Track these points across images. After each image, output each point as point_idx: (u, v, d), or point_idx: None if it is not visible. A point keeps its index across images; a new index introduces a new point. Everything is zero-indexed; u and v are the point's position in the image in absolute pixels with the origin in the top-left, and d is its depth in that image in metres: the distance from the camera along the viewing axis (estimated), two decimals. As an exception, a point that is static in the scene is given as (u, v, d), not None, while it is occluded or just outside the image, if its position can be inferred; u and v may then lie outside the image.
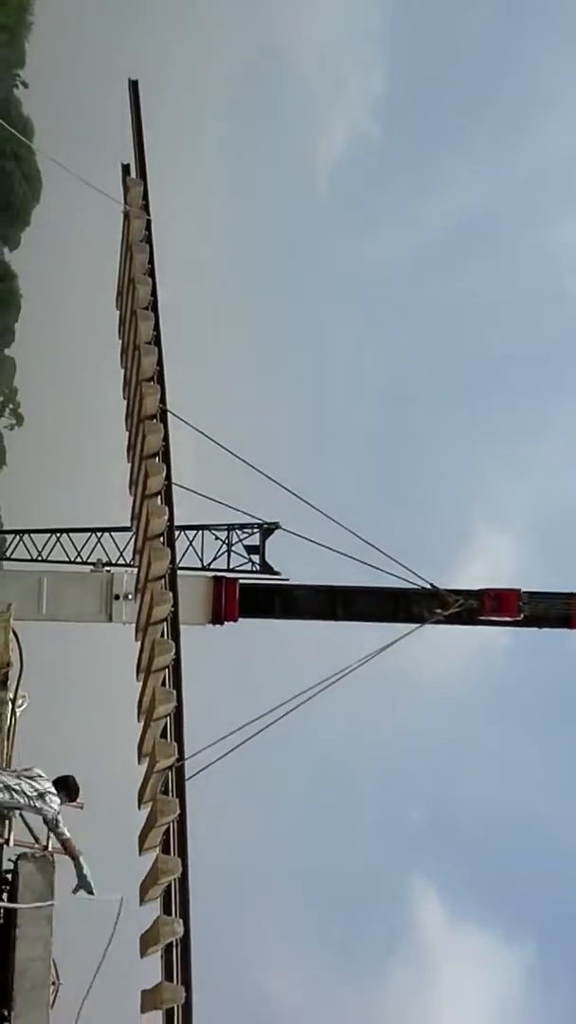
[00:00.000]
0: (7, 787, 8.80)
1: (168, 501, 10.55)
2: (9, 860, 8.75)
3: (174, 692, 9.50)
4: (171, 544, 10.44)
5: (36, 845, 9.21)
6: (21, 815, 9.21)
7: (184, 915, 8.50)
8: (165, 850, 8.91)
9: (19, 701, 10.47)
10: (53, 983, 7.70)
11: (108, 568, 17.50)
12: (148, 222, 11.66)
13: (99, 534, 23.17)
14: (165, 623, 9.94)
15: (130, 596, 15.23)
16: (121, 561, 21.33)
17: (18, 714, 10.45)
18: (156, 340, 10.98)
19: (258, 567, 19.10)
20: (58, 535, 25.33)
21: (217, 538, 19.18)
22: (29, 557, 26.56)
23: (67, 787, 9.31)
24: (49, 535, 26.00)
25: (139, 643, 10.60)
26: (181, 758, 9.15)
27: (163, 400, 10.81)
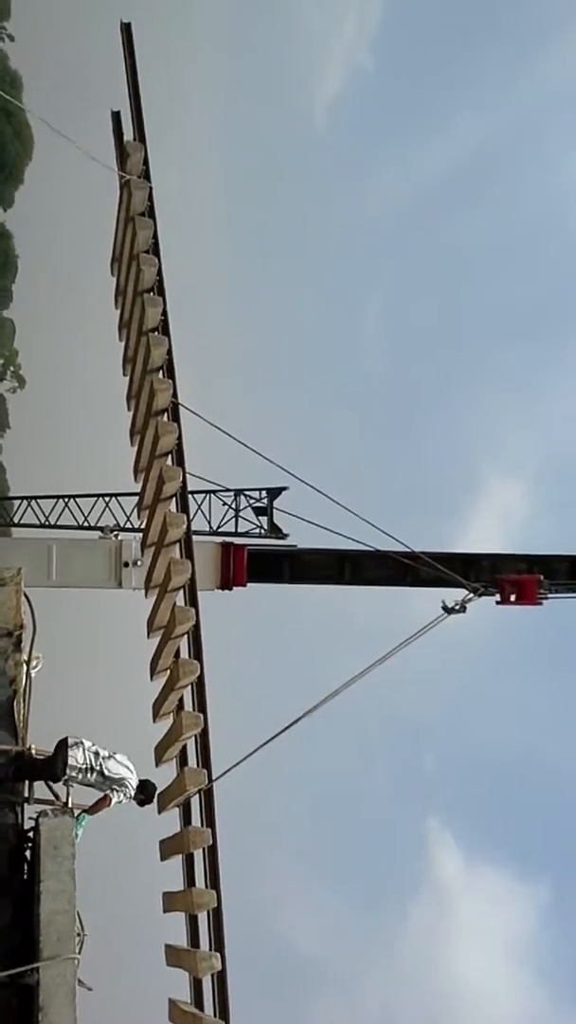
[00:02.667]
0: (90, 768, 9.31)
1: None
2: (30, 818, 8.90)
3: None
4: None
5: (57, 802, 9.42)
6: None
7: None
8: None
9: (33, 662, 10.55)
10: (78, 934, 7.90)
11: (116, 534, 17.46)
12: (150, 191, 11.31)
13: (107, 499, 23.13)
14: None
15: (139, 563, 15.25)
16: (129, 526, 21.36)
17: (33, 675, 10.54)
18: (164, 327, 10.80)
19: (266, 530, 19.08)
20: (66, 500, 25.32)
21: (224, 503, 19.12)
22: (37, 523, 26.62)
23: (146, 791, 9.80)
24: (56, 500, 26.01)
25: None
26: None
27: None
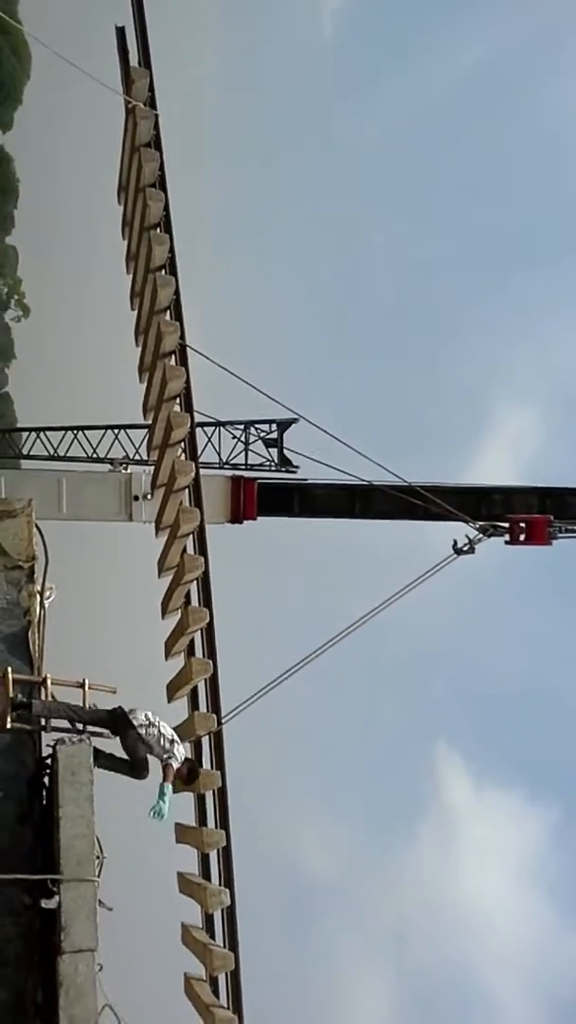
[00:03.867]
0: (151, 723, 9.20)
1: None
2: (48, 745, 9.09)
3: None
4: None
5: (73, 729, 9.62)
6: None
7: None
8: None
9: (47, 593, 10.66)
10: (98, 857, 8.13)
11: (126, 467, 17.48)
12: (156, 119, 10.99)
13: (116, 431, 23.06)
14: (192, 535, 10.08)
15: (149, 496, 15.30)
16: (138, 458, 21.33)
17: (47, 606, 10.67)
18: (171, 265, 10.62)
19: (276, 462, 19.04)
20: (75, 432, 25.25)
21: (234, 437, 19.05)
22: (47, 454, 26.61)
23: (192, 770, 9.59)
24: (65, 432, 25.95)
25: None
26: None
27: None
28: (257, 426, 18.92)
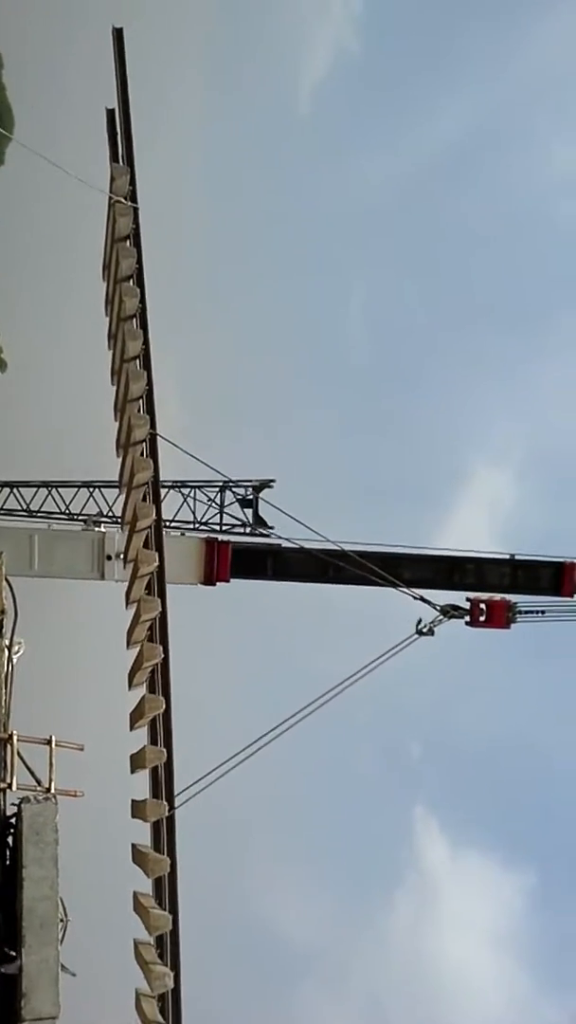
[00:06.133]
0: None
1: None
2: (12, 804, 8.99)
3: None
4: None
5: (39, 788, 9.51)
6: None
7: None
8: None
9: (15, 647, 10.66)
10: (61, 920, 7.99)
11: (100, 526, 17.54)
12: (135, 212, 11.55)
13: (91, 489, 23.15)
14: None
15: (122, 555, 15.37)
16: (112, 514, 21.38)
17: (15, 660, 10.65)
18: (145, 356, 11.04)
19: (250, 523, 19.19)
20: (49, 488, 25.28)
21: (211, 499, 19.23)
22: (20, 508, 26.56)
23: None
24: (38, 488, 25.96)
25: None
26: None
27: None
28: (232, 489, 19.12)
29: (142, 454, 10.88)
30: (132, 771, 10.24)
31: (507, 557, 13.66)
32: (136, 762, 10.11)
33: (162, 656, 10.02)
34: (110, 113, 12.45)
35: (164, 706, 9.89)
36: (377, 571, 12.67)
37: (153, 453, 10.89)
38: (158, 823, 9.62)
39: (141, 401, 11.06)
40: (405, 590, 12.37)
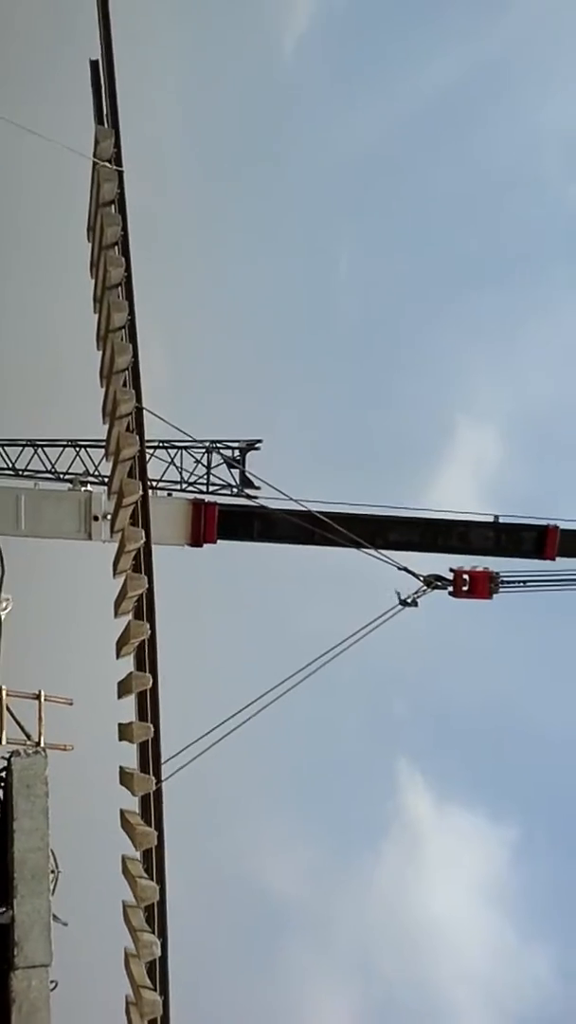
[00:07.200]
0: None
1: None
2: (2, 758, 9.12)
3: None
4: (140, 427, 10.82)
5: (29, 742, 9.66)
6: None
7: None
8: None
9: (3, 604, 10.74)
10: (53, 871, 8.13)
11: (87, 487, 17.56)
12: (120, 177, 11.36)
13: (77, 448, 23.11)
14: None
15: (108, 516, 15.43)
16: (98, 473, 21.38)
17: (2, 617, 10.75)
18: (131, 327, 10.99)
19: (237, 484, 19.27)
20: (35, 447, 25.21)
21: (197, 461, 19.27)
22: (6, 466, 26.48)
23: None
24: (23, 446, 25.87)
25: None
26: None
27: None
28: (220, 451, 19.15)
29: (128, 428, 10.83)
30: (120, 739, 10.33)
31: (491, 520, 13.79)
32: (124, 734, 10.20)
33: (148, 633, 10.08)
34: (94, 64, 12.14)
35: (151, 682, 9.98)
36: (359, 540, 12.79)
37: (139, 427, 10.85)
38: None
39: (127, 374, 11.00)
40: (389, 560, 12.50)
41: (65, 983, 7.59)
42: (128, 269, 11.18)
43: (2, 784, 9.02)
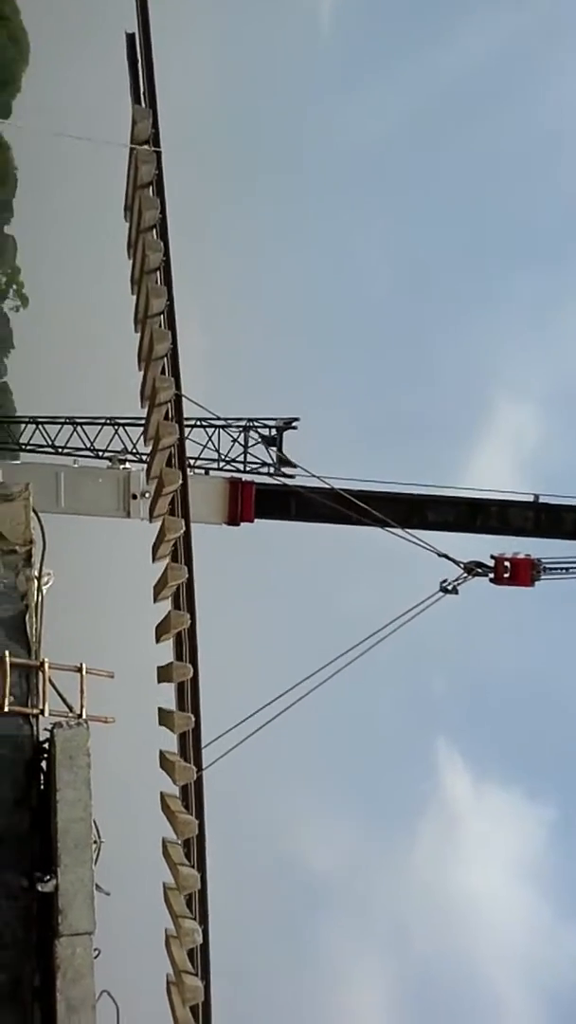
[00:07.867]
0: None
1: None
2: (45, 730, 9.26)
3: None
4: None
5: (71, 714, 9.80)
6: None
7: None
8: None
9: (44, 578, 10.86)
10: (95, 842, 8.26)
11: (125, 465, 17.68)
12: (159, 158, 11.19)
13: (115, 426, 23.17)
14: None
15: (147, 494, 15.56)
16: (136, 451, 21.44)
17: (44, 591, 10.87)
18: (169, 313, 10.93)
19: (274, 463, 19.21)
20: (74, 425, 25.32)
21: (234, 440, 19.25)
22: (46, 443, 26.64)
23: None
24: (63, 424, 26.01)
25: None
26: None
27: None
28: (257, 428, 19.12)
29: (167, 416, 10.83)
30: (159, 725, 10.45)
31: (531, 500, 13.63)
32: (164, 721, 10.30)
33: (188, 623, 10.14)
34: (130, 38, 11.97)
35: (191, 672, 10.03)
36: (389, 522, 12.72)
37: (179, 414, 10.85)
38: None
39: (165, 360, 10.97)
40: (429, 547, 12.44)
41: (107, 952, 7.76)
42: (167, 254, 11.12)
43: (45, 755, 9.16)
